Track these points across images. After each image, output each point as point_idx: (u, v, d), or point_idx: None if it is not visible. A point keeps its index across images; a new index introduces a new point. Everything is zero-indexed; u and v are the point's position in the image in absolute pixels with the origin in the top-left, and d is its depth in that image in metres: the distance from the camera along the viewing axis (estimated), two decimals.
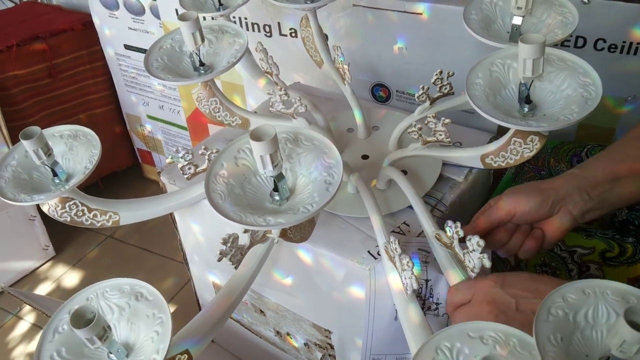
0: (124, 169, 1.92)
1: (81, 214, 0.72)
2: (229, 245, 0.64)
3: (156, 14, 1.45)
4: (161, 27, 1.44)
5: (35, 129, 0.63)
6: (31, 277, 1.63)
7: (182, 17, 0.70)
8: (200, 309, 1.14)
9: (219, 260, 0.63)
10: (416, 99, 0.75)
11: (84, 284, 1.61)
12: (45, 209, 0.70)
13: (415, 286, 0.61)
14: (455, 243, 0.62)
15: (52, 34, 1.61)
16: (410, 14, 1.03)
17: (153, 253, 1.67)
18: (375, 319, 0.71)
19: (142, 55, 1.47)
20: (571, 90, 0.63)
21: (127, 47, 1.60)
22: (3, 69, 1.52)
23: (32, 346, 1.43)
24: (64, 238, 1.73)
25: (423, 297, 0.71)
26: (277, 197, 0.60)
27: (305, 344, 0.90)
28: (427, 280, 0.69)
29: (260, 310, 0.94)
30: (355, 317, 0.74)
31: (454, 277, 0.64)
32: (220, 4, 0.86)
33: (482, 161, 0.70)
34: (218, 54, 0.77)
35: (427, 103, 0.76)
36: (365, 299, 0.70)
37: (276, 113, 0.75)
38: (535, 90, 0.64)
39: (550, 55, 0.65)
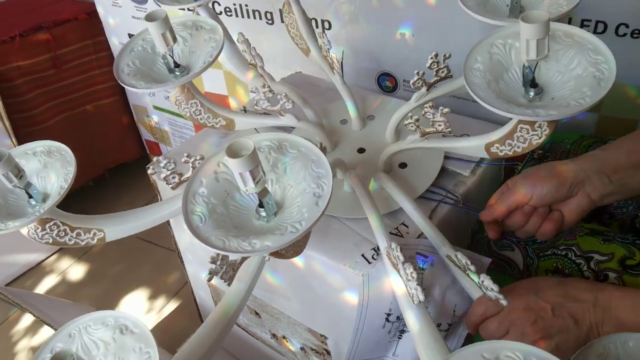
0: (132, 160, 1.90)
1: (63, 233, 0.67)
2: (218, 263, 0.59)
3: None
4: None
5: (2, 151, 0.59)
6: (36, 270, 1.62)
7: (149, 17, 0.64)
8: (197, 308, 1.11)
9: (209, 280, 0.58)
10: (411, 85, 0.69)
11: (89, 277, 1.60)
12: (24, 232, 0.66)
13: (422, 298, 0.56)
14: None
15: (56, 23, 1.58)
16: None
17: (159, 246, 1.64)
18: (366, 325, 0.66)
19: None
20: (581, 70, 0.56)
21: (131, 36, 1.56)
22: (6, 60, 1.50)
23: (36, 339, 1.42)
24: None
25: None
26: (263, 214, 0.54)
27: (302, 349, 0.86)
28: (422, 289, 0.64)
29: (256, 312, 0.90)
30: (349, 323, 0.69)
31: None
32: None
33: (487, 151, 0.64)
34: (194, 52, 0.71)
35: (424, 89, 0.70)
36: (358, 305, 0.65)
37: (262, 111, 0.70)
38: (540, 71, 0.58)
39: (556, 31, 0.58)
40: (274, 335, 0.91)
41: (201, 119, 0.75)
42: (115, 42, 1.62)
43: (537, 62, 0.56)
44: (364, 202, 0.69)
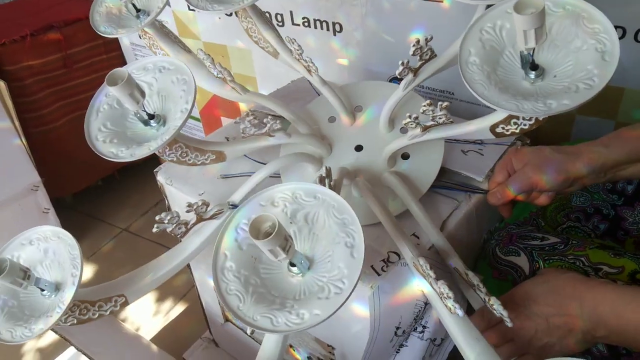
0: (141, 160, 1.89)
1: (85, 311, 0.63)
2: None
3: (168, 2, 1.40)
4: (172, 16, 1.39)
5: (3, 261, 0.57)
6: None
7: (110, 81, 0.59)
8: (204, 313, 1.10)
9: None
10: (398, 76, 0.67)
11: (97, 278, 1.59)
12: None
13: (460, 314, 0.55)
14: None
15: (67, 23, 1.58)
16: (430, 2, 0.95)
17: (168, 248, 1.63)
18: (378, 337, 0.65)
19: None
20: (580, 42, 0.53)
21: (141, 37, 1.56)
22: (17, 59, 1.50)
23: (42, 341, 1.42)
24: (78, 231, 1.71)
25: (416, 319, 0.65)
26: (296, 271, 0.53)
27: (309, 358, 0.84)
28: (426, 303, 0.63)
29: None
30: (358, 334, 0.68)
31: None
32: (138, 10, 0.76)
33: (493, 132, 0.61)
34: (165, 97, 0.66)
35: (411, 75, 0.67)
36: (370, 318, 0.64)
37: (250, 137, 0.69)
38: (536, 50, 0.54)
39: (544, 3, 0.55)
40: None
41: (189, 159, 0.71)
42: (126, 42, 1.62)
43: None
44: (378, 211, 0.67)
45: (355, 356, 0.72)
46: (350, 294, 0.47)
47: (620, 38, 0.87)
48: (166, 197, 0.88)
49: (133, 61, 0.64)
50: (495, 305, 0.55)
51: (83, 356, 0.96)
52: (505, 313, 0.55)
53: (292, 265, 0.52)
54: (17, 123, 1.43)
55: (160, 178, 0.84)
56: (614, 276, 0.64)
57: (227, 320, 1.03)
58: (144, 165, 1.92)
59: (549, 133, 1.01)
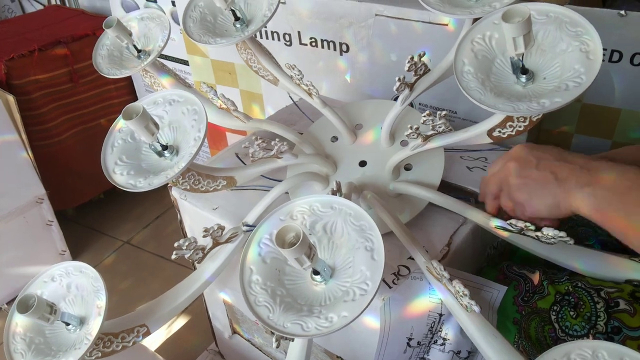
0: None
1: (109, 343, 0.65)
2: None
3: (176, 20, 1.43)
4: (181, 33, 1.43)
5: (30, 298, 0.59)
6: None
7: (126, 116, 0.63)
8: (210, 324, 1.11)
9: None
10: (395, 91, 0.70)
11: None
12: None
13: (477, 310, 0.58)
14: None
15: (74, 38, 1.61)
16: (436, 25, 0.99)
17: (169, 261, 1.65)
18: (386, 354, 0.67)
19: (163, 62, 1.47)
20: (565, 45, 0.57)
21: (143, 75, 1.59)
22: (25, 73, 1.52)
23: None
24: (80, 243, 1.73)
25: (433, 331, 0.67)
26: (319, 279, 0.56)
27: None
28: (440, 315, 0.65)
29: (272, 332, 0.90)
30: (368, 346, 0.70)
31: None
32: (139, 51, 0.80)
33: (490, 136, 0.65)
34: (176, 128, 0.70)
35: (407, 90, 0.71)
36: (379, 330, 0.66)
37: (259, 160, 0.73)
38: (525, 55, 0.58)
39: (530, 11, 0.58)
40: None
41: (202, 187, 0.73)
42: None
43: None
44: (389, 221, 0.70)
45: None
46: (376, 293, 0.50)
47: (616, 61, 0.91)
48: (179, 211, 0.90)
49: (144, 95, 0.68)
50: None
51: None
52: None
53: (316, 273, 0.55)
54: (24, 136, 1.45)
55: (174, 193, 0.87)
56: (615, 294, 0.66)
57: (234, 332, 1.05)
58: None
59: None
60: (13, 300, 1.53)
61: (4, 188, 1.45)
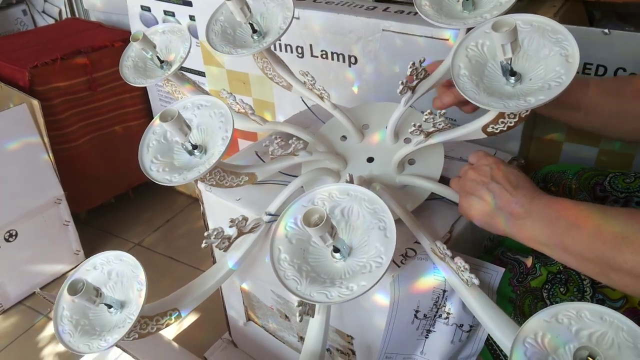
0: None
1: (145, 325, 0.72)
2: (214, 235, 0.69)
3: (194, 34, 1.52)
4: (198, 46, 1.52)
5: (78, 282, 0.66)
6: (61, 280, 1.68)
7: (163, 118, 0.71)
8: (225, 313, 1.18)
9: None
10: (399, 94, 0.79)
11: None
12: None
13: (477, 282, 0.67)
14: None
15: (94, 49, 1.70)
16: (437, 40, 1.08)
17: (180, 262, 1.72)
18: (396, 323, 0.75)
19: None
20: (547, 50, 0.65)
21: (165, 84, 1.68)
22: (47, 80, 1.61)
23: (62, 346, 1.48)
24: (94, 244, 1.80)
25: (437, 306, 0.75)
26: (338, 256, 0.64)
27: (328, 350, 0.94)
28: (444, 291, 0.73)
29: (285, 316, 0.98)
30: (378, 323, 0.78)
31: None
32: (162, 62, 0.89)
33: (485, 131, 0.73)
34: (204, 130, 0.77)
35: (409, 92, 0.80)
36: (389, 306, 0.74)
37: (278, 158, 0.81)
38: (513, 59, 0.66)
39: (515, 22, 0.66)
40: (301, 338, 0.99)
41: (226, 182, 0.81)
42: None
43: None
44: (396, 208, 0.78)
45: (376, 341, 0.82)
46: (389, 265, 0.58)
47: (602, 75, 1.01)
48: (202, 203, 0.98)
49: (157, 103, 0.76)
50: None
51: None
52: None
53: (336, 251, 0.63)
54: (46, 139, 1.53)
55: (200, 185, 0.95)
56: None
57: (249, 319, 1.12)
58: (155, 186, 2.03)
59: (539, 157, 1.13)
60: (29, 297, 1.60)
61: (26, 188, 1.52)
